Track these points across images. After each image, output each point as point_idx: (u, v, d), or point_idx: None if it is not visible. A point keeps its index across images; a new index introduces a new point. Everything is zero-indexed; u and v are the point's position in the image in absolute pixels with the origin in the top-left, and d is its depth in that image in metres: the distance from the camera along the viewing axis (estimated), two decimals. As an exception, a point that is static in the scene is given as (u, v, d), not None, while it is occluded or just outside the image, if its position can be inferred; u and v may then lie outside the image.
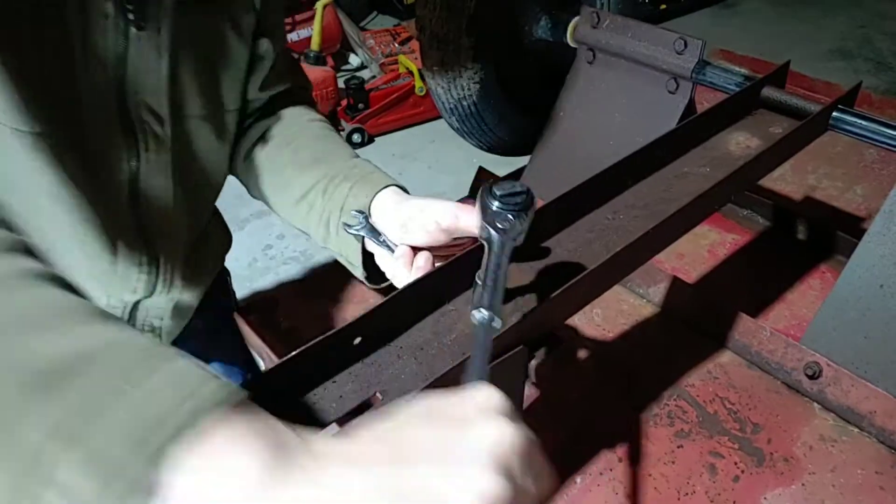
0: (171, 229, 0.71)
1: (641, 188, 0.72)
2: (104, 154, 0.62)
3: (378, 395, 0.50)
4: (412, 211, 0.63)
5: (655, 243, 0.66)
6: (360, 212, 0.65)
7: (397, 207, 0.64)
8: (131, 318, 0.76)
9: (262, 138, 0.77)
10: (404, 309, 0.55)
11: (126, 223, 0.67)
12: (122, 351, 0.31)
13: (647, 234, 0.61)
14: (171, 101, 0.64)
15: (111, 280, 0.69)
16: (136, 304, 0.74)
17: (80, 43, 0.56)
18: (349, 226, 0.65)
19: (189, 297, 0.80)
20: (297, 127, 0.78)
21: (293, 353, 0.48)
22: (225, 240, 0.90)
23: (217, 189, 0.79)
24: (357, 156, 0.74)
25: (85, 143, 0.60)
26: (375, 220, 0.65)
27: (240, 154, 0.79)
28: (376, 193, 0.66)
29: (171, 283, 0.74)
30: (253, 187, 0.80)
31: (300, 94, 0.83)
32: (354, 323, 0.51)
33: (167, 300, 0.76)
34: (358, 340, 0.52)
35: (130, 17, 0.58)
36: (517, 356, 0.53)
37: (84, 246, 0.64)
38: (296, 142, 0.76)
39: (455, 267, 0.57)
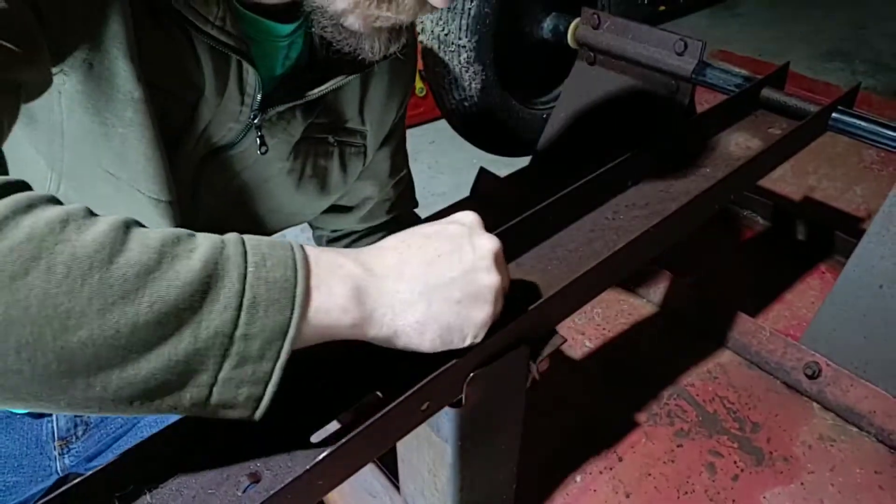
0: None
1: (642, 188, 0.72)
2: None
3: (378, 394, 0.50)
4: None
5: (656, 243, 0.66)
6: None
7: None
8: None
9: None
10: (405, 308, 0.55)
11: None
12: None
13: (647, 233, 0.61)
14: (239, 195, 0.69)
15: None
16: None
17: (194, 135, 0.60)
18: None
19: None
20: None
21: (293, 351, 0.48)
22: None
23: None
24: None
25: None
26: None
27: None
28: None
29: None
30: None
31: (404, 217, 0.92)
32: (355, 321, 0.51)
33: None
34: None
35: (259, 143, 0.63)
36: (518, 354, 0.53)
37: None
38: None
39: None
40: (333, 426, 0.47)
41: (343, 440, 0.43)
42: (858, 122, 0.84)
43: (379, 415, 0.45)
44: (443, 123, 1.33)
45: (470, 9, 1.09)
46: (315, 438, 0.47)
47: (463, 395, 0.51)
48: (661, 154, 0.75)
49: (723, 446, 0.77)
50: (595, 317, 0.96)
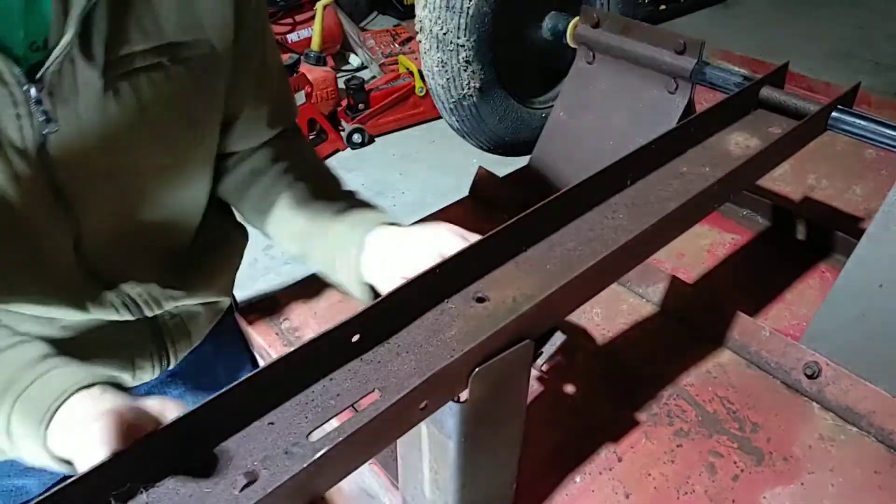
0: (132, 271, 0.73)
1: (641, 187, 0.72)
2: (42, 230, 0.63)
3: (376, 392, 0.50)
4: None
5: (654, 242, 0.66)
6: None
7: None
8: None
9: (256, 178, 0.80)
10: (403, 306, 0.55)
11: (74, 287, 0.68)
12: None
13: (646, 232, 0.61)
14: (107, 170, 0.64)
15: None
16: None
17: None
18: None
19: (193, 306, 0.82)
20: (284, 165, 0.80)
21: (291, 349, 0.48)
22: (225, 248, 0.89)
23: (192, 221, 0.79)
24: (350, 194, 0.77)
25: (20, 226, 0.61)
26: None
27: (229, 188, 0.82)
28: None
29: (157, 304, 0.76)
30: (251, 221, 0.84)
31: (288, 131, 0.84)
32: (353, 320, 0.51)
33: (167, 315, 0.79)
34: (357, 338, 0.52)
35: (42, 117, 0.57)
36: (522, 350, 0.53)
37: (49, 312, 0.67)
38: (286, 178, 0.78)
39: (453, 265, 0.57)
40: (331, 425, 0.47)
41: (340, 439, 0.43)
42: (858, 121, 0.84)
43: (376, 414, 0.44)
44: (443, 123, 1.33)
45: (469, 8, 1.09)
46: (312, 437, 0.47)
47: (467, 391, 0.51)
48: (660, 153, 0.75)
49: (723, 446, 0.77)
50: (594, 317, 0.95)
